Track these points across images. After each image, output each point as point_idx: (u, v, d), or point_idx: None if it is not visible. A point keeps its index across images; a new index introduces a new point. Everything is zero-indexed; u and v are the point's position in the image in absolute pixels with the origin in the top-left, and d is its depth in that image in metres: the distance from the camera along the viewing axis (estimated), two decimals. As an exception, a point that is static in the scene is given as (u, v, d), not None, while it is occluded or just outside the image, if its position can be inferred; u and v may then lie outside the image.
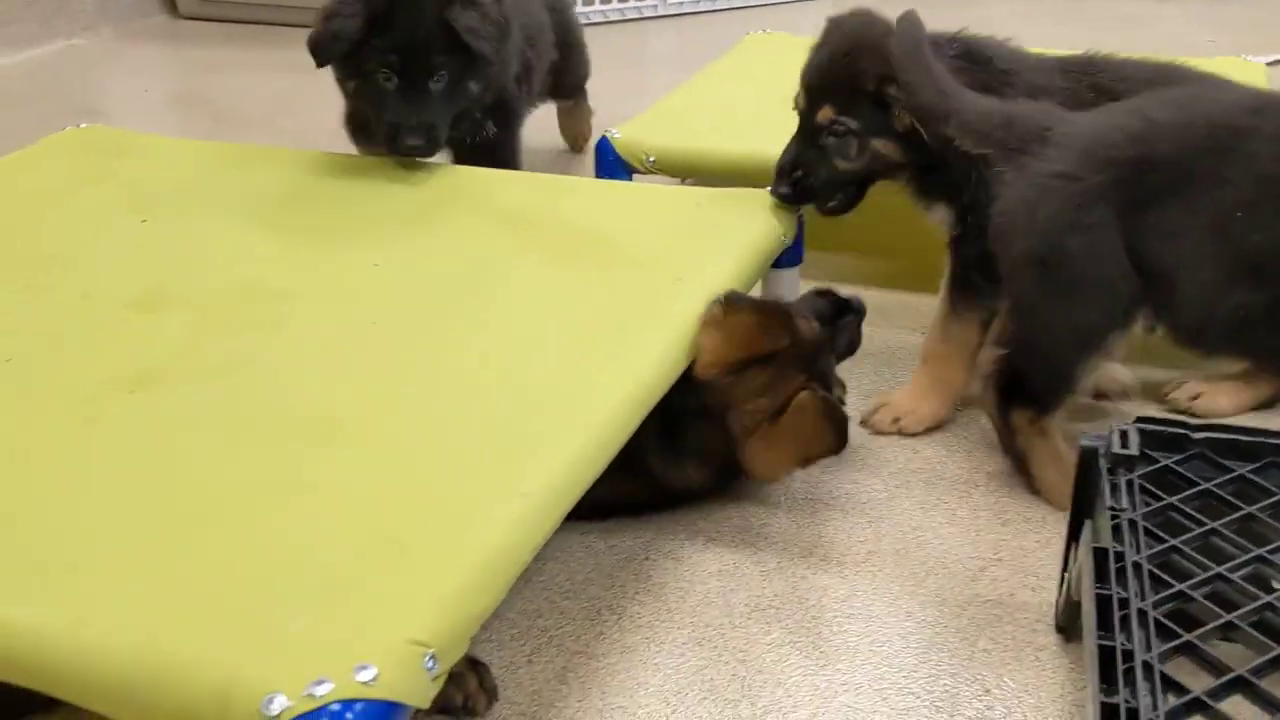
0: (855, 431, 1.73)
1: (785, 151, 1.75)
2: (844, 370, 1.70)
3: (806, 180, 1.74)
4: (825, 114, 1.70)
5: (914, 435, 1.73)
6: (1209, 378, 1.75)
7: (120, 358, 1.39)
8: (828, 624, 1.37)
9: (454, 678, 1.15)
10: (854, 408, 1.73)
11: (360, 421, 1.26)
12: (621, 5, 4.23)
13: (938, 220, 1.74)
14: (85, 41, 4.07)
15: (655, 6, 4.26)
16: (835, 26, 1.72)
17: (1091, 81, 1.72)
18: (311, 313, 1.50)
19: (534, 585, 1.43)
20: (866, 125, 1.68)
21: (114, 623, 0.97)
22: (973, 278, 1.69)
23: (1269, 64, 3.35)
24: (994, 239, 1.53)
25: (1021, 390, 1.55)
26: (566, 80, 2.73)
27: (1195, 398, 1.75)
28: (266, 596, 1.01)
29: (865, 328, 1.71)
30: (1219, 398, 1.73)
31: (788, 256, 1.83)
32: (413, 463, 1.19)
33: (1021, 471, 1.60)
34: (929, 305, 1.81)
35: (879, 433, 1.73)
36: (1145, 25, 4.05)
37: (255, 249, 1.68)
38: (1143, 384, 1.79)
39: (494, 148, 2.13)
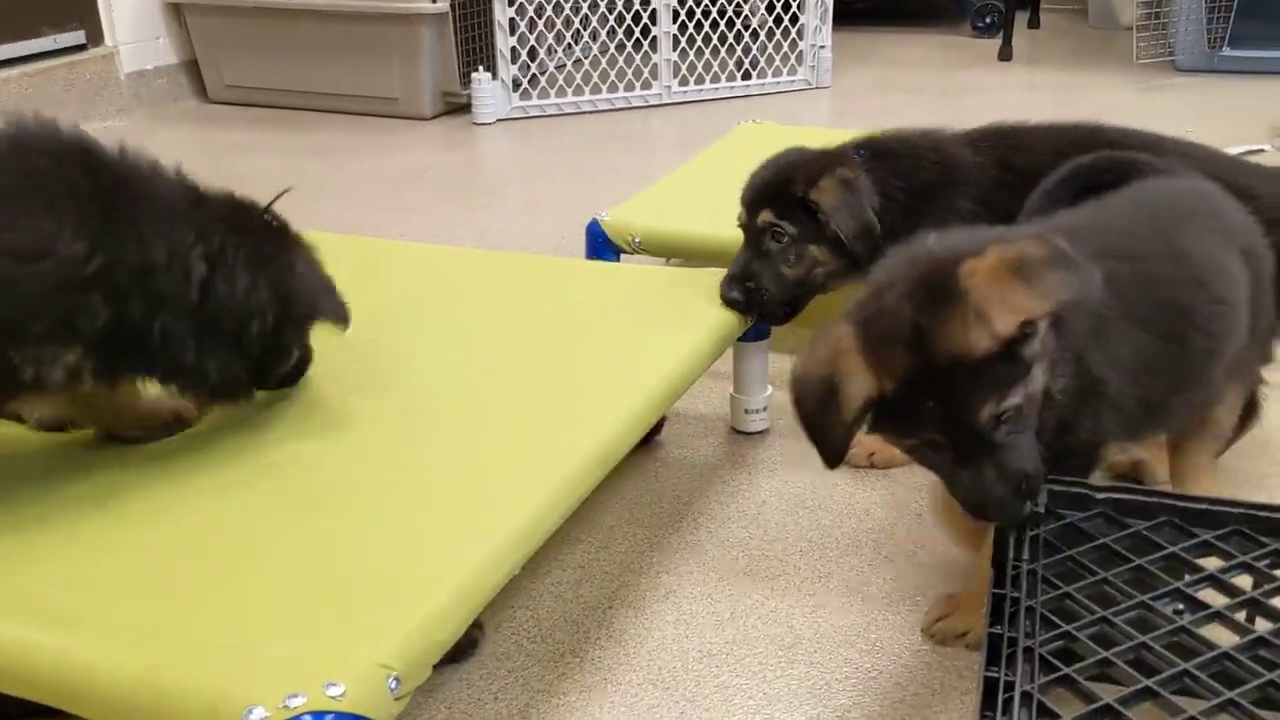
0: (814, 490, 1.86)
1: (734, 262, 1.90)
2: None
3: (757, 291, 1.87)
4: (765, 217, 1.87)
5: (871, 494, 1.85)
6: (1150, 446, 1.87)
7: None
8: (772, 669, 1.48)
9: None
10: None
11: (344, 478, 1.41)
12: (628, 94, 4.45)
13: None
14: (120, 124, 4.31)
15: (660, 95, 4.47)
16: (771, 157, 1.94)
17: (996, 155, 1.90)
18: (306, 379, 1.65)
19: (503, 631, 1.56)
20: (802, 231, 1.86)
21: (120, 651, 1.12)
22: None
23: (1239, 155, 3.51)
24: None
25: None
26: None
27: (1138, 464, 1.87)
28: (252, 628, 1.15)
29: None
30: (1161, 465, 1.84)
31: (754, 331, 1.97)
32: (388, 514, 1.34)
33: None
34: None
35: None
36: (1126, 114, 4.20)
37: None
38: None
39: None
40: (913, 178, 1.87)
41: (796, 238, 1.86)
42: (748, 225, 1.90)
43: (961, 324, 1.17)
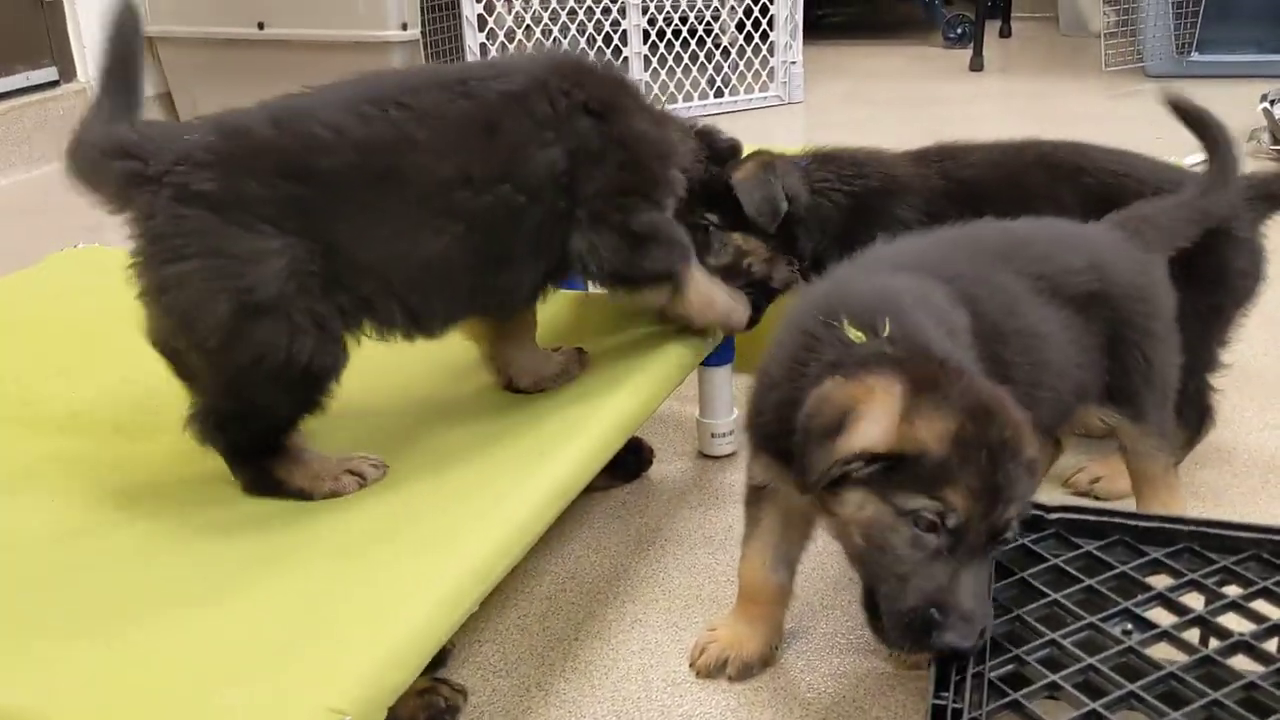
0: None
1: None
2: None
3: None
4: (697, 213, 1.90)
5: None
6: (1107, 462, 1.88)
7: (98, 479, 1.55)
8: (736, 695, 1.49)
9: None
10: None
11: (297, 521, 1.42)
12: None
13: None
14: (94, 158, 4.31)
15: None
16: None
17: (940, 168, 1.94)
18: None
19: (469, 665, 1.56)
20: (724, 219, 1.90)
21: (71, 699, 1.12)
22: None
23: (1204, 162, 3.53)
24: None
25: None
26: None
27: (1095, 481, 1.89)
28: (205, 676, 1.16)
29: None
30: (1118, 480, 1.85)
31: (717, 355, 1.98)
32: (340, 559, 1.35)
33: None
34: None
35: None
36: (1098, 122, 4.24)
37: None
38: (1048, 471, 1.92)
39: None
40: (854, 184, 1.92)
41: (719, 225, 1.90)
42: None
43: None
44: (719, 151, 1.92)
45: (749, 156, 1.92)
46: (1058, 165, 1.88)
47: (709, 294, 1.76)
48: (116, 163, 1.39)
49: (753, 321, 1.91)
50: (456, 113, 1.51)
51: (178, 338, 1.42)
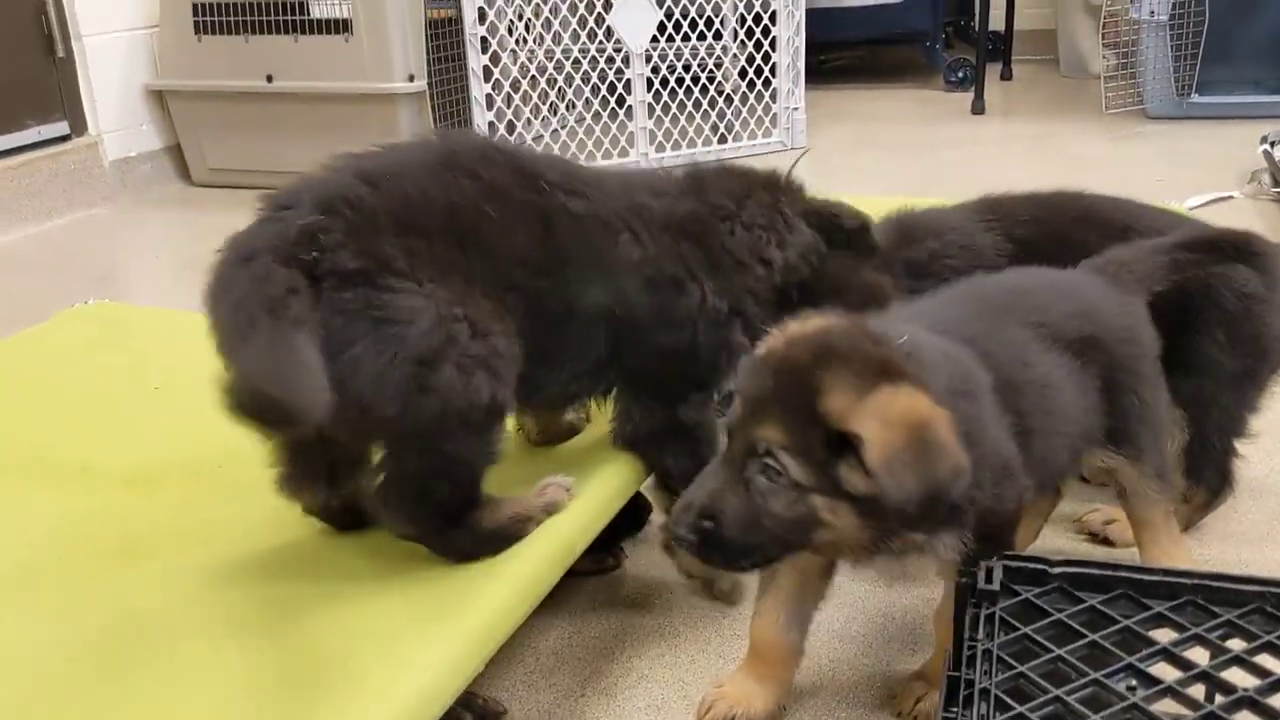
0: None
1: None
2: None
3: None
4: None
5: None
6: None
7: (110, 532, 1.57)
8: (743, 752, 1.49)
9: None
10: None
11: (307, 581, 1.43)
12: (606, 162, 4.50)
13: None
14: (105, 210, 4.37)
15: (637, 162, 4.52)
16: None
17: (1002, 228, 1.88)
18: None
19: (476, 722, 1.56)
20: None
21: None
22: None
23: (1205, 204, 3.56)
24: None
25: None
26: None
27: (1109, 523, 1.89)
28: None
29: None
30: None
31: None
32: (350, 615, 1.35)
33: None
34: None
35: None
36: (1100, 165, 4.27)
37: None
38: (1058, 514, 1.93)
39: None
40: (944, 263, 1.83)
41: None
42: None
43: None
44: (836, 237, 1.73)
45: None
46: (1105, 223, 1.85)
47: None
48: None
49: None
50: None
51: (355, 421, 1.36)
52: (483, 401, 1.38)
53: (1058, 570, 1.36)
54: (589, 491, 1.56)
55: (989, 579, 1.35)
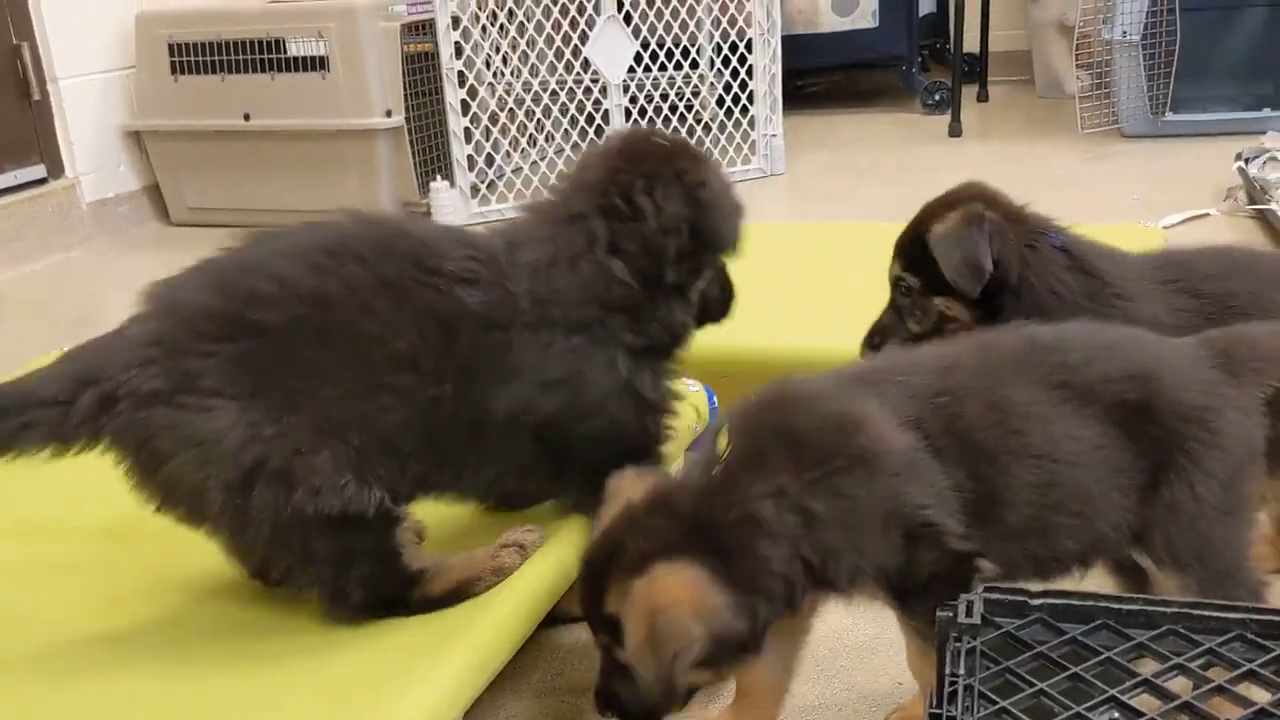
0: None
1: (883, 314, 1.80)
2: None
3: (882, 344, 1.78)
4: (894, 270, 1.76)
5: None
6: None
7: (84, 583, 1.55)
8: (727, 793, 1.47)
9: None
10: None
11: (293, 624, 1.42)
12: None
13: None
14: (82, 253, 4.35)
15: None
16: (937, 199, 1.78)
17: (1183, 287, 1.70)
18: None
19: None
20: (925, 282, 1.71)
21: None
22: None
23: (1181, 222, 3.57)
24: None
25: None
26: None
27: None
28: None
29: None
30: None
31: (702, 439, 1.97)
32: (342, 659, 1.35)
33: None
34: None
35: None
36: (1078, 185, 4.29)
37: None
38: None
39: None
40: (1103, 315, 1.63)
41: (919, 290, 1.73)
42: (890, 278, 1.79)
43: None
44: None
45: (952, 205, 1.71)
46: None
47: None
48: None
49: None
50: None
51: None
52: (332, 512, 1.35)
53: (1038, 602, 1.35)
54: (566, 537, 1.55)
55: (969, 612, 1.34)
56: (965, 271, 1.64)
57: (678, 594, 1.26)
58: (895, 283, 1.75)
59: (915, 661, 1.49)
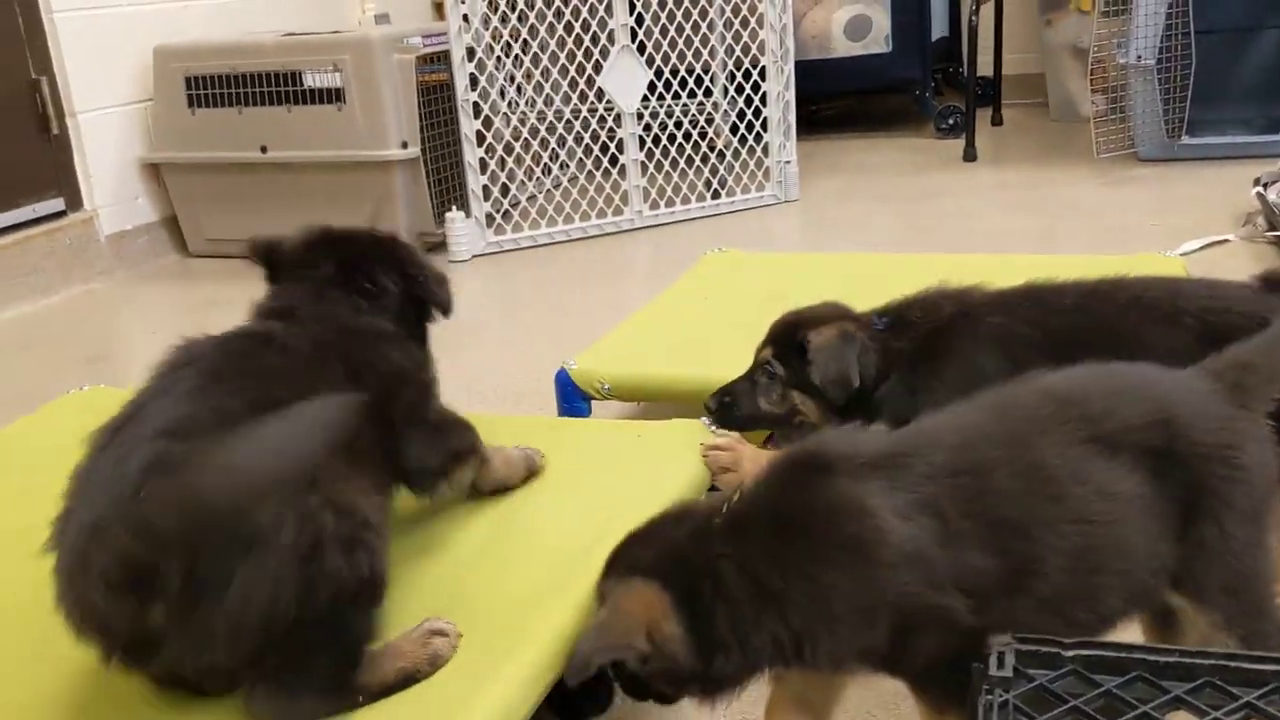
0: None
1: (737, 380, 1.94)
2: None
3: (733, 409, 1.92)
4: (764, 352, 1.91)
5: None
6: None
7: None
8: (756, 846, 1.45)
9: None
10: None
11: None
12: (600, 221, 4.51)
13: None
14: (101, 286, 4.37)
15: (632, 220, 4.54)
16: (808, 309, 1.93)
17: (1027, 316, 1.81)
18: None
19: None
20: (790, 375, 1.87)
21: None
22: None
23: (1200, 249, 3.55)
24: None
25: None
26: None
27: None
28: None
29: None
30: None
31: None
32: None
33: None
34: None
35: None
36: (1094, 211, 4.27)
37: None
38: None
39: None
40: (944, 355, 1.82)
41: (782, 380, 1.88)
42: (756, 354, 1.94)
43: None
44: None
45: (829, 321, 1.86)
46: (1153, 307, 1.77)
47: (506, 455, 1.81)
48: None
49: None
50: None
51: None
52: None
53: (1071, 653, 1.33)
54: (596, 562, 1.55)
55: (1001, 664, 1.33)
56: (838, 382, 1.81)
57: (639, 610, 1.31)
58: (761, 364, 1.90)
59: None
